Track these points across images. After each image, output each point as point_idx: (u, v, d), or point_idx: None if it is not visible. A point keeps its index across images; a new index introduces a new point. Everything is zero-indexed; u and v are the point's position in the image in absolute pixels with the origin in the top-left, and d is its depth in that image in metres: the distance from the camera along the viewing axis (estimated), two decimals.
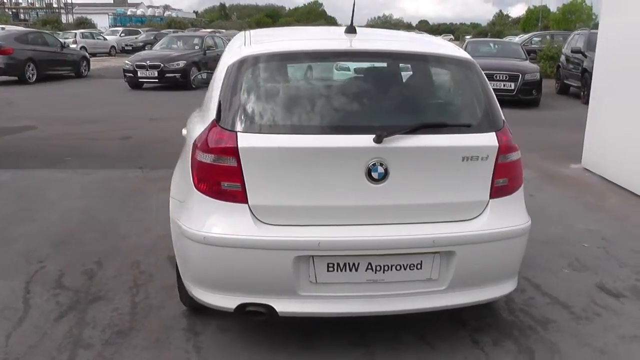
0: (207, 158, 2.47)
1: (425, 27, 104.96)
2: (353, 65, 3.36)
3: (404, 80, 2.89)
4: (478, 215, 2.61)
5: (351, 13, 2.87)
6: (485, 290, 2.70)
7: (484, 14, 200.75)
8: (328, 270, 2.44)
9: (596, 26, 7.09)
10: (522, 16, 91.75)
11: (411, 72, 2.93)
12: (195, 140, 2.60)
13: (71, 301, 3.28)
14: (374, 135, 2.42)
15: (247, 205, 2.44)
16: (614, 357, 2.93)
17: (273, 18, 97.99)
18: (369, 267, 2.46)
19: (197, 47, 16.91)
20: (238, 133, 2.44)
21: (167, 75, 14.89)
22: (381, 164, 2.42)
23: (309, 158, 2.45)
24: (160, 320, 3.08)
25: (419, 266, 2.51)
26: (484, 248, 2.58)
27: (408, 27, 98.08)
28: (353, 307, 2.55)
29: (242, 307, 2.49)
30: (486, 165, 2.56)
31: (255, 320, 2.60)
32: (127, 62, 15.44)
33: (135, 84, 15.20)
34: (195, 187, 2.51)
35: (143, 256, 3.93)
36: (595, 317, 3.30)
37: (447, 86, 2.83)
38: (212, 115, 2.58)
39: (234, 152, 2.41)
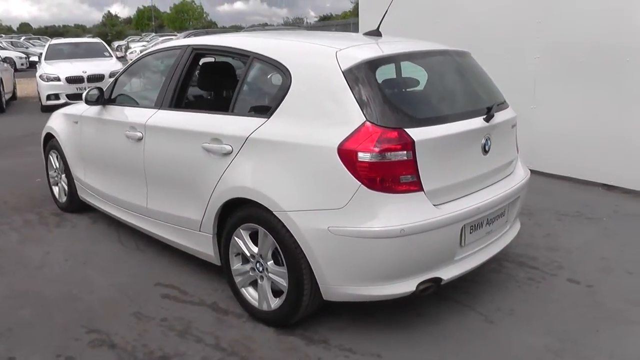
0: (378, 157, 2.52)
1: (28, 30, 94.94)
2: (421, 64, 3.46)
3: (460, 72, 3.33)
4: (515, 168, 3.41)
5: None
6: (517, 224, 3.49)
7: (83, 15, 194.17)
8: (470, 233, 2.85)
9: (210, 24, 8.19)
10: (134, 16, 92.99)
11: (454, 65, 3.37)
12: (340, 145, 2.54)
13: None
14: (483, 117, 2.95)
15: (423, 192, 2.63)
16: None
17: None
18: (486, 221, 2.97)
19: None
20: (405, 129, 2.59)
21: None
22: (489, 139, 2.98)
23: (455, 142, 2.80)
24: None
25: (504, 213, 3.14)
26: (526, 190, 3.37)
27: (9, 30, 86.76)
28: (481, 257, 3.02)
29: (417, 286, 2.66)
30: (514, 130, 3.39)
31: (421, 296, 2.74)
32: None
33: None
34: (367, 187, 2.52)
35: None
36: None
37: (478, 72, 3.41)
38: (353, 117, 2.60)
39: (410, 146, 2.56)
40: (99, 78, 10.97)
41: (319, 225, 2.57)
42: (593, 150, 5.36)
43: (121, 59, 17.02)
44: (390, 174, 2.54)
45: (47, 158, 4.96)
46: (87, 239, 4.24)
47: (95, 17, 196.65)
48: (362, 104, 2.59)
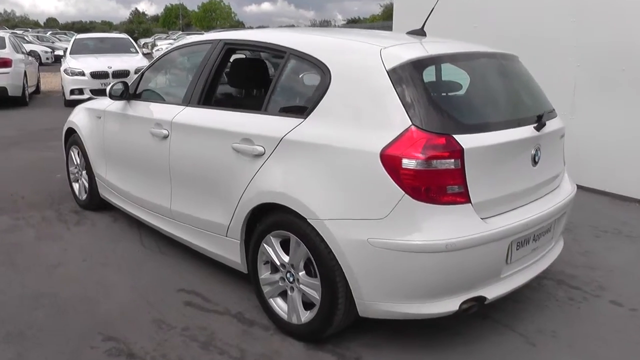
0: (424, 165, 2.31)
1: (55, 25, 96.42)
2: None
3: (508, 76, 3.10)
4: (562, 182, 3.17)
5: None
6: (560, 240, 3.25)
7: (110, 11, 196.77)
8: (516, 249, 2.63)
9: (238, 24, 8.06)
10: (162, 14, 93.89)
11: (501, 69, 3.13)
12: (383, 151, 2.34)
13: None
14: (533, 125, 2.73)
15: (470, 204, 2.41)
16: None
17: None
18: (533, 237, 2.75)
19: None
20: (453, 135, 2.38)
21: None
22: (538, 149, 2.76)
23: (504, 151, 2.58)
24: None
25: (550, 229, 2.91)
26: (571, 206, 3.13)
27: (35, 25, 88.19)
28: (526, 276, 2.80)
29: (460, 305, 2.46)
30: (562, 142, 3.15)
31: (462, 316, 2.54)
32: None
33: None
34: (411, 197, 2.31)
35: None
36: None
37: (526, 77, 3.17)
38: (397, 120, 2.39)
39: (458, 154, 2.35)
40: (124, 74, 10.89)
41: (357, 236, 2.37)
42: (631, 164, 5.09)
43: (147, 55, 17.00)
44: (437, 183, 2.34)
45: (67, 154, 4.84)
46: (107, 238, 4.10)
47: (122, 14, 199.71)
48: (407, 106, 2.39)
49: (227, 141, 2.93)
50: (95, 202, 4.52)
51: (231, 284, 3.31)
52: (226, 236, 3.02)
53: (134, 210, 3.93)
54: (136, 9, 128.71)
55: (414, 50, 2.66)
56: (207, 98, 3.31)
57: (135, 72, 11.03)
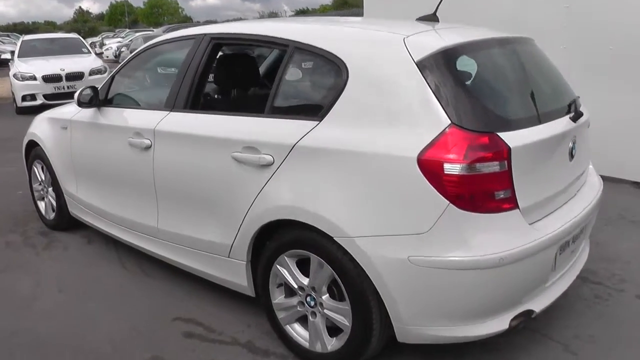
0: (468, 169, 2.02)
1: None
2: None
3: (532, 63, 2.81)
4: (588, 176, 2.93)
5: None
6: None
7: (53, 11, 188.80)
8: (560, 254, 2.38)
9: (186, 20, 7.76)
10: (107, 12, 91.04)
11: (524, 55, 2.84)
12: (421, 155, 2.04)
13: None
14: (569, 116, 2.49)
15: (518, 210, 2.14)
16: None
17: None
18: (572, 239, 2.51)
19: None
20: (497, 133, 2.10)
21: None
22: (574, 142, 2.52)
23: (547, 146, 2.32)
24: None
25: (584, 228, 2.68)
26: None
27: None
28: (567, 280, 2.56)
29: (510, 322, 2.19)
30: (589, 132, 2.91)
31: (511, 333, 2.27)
32: None
33: None
34: (457, 206, 2.02)
35: None
36: None
37: (548, 63, 2.90)
38: (434, 119, 2.09)
39: (505, 154, 2.07)
40: (78, 76, 10.25)
41: (396, 254, 2.07)
42: (620, 145, 4.94)
43: (99, 56, 16.22)
44: (483, 189, 2.05)
45: (30, 169, 4.35)
46: (83, 263, 3.67)
47: (66, 13, 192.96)
48: (443, 102, 2.09)
49: (226, 150, 2.57)
50: (65, 222, 4.08)
51: (232, 308, 2.97)
52: (228, 257, 2.67)
53: (113, 230, 3.52)
54: (80, 7, 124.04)
55: (442, 37, 2.37)
56: (195, 101, 2.93)
57: (90, 74, 10.44)
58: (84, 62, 10.91)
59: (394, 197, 2.09)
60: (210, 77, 3.12)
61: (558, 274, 2.44)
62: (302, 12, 60.08)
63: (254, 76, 3.35)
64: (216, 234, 2.71)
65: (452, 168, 2.00)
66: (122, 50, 22.43)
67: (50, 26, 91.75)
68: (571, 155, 2.48)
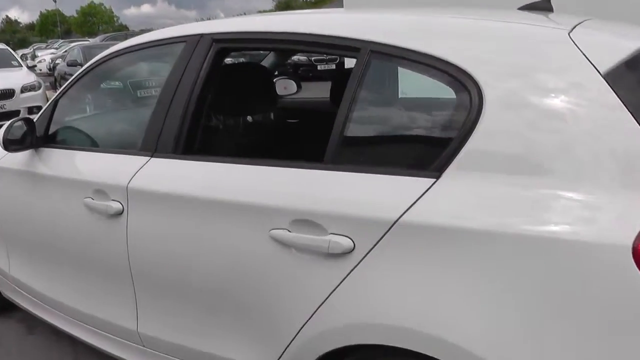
0: None
1: None
2: None
3: None
4: None
5: None
6: None
7: None
8: None
9: (121, 28, 6.88)
10: (37, 21, 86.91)
11: None
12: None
13: None
14: None
15: None
16: None
17: None
18: None
19: None
20: None
21: None
22: None
23: None
24: None
25: None
26: None
27: None
28: None
29: None
30: None
31: None
32: None
33: None
34: None
35: None
36: None
37: None
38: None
39: None
40: (7, 94, 8.82)
41: None
42: None
43: (32, 69, 14.60)
44: None
45: None
46: None
47: None
48: None
49: (259, 225, 1.56)
50: None
51: None
52: None
53: (65, 326, 2.42)
54: (7, 16, 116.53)
55: (616, 35, 1.47)
56: (190, 142, 1.88)
57: (22, 91, 9.05)
58: (15, 78, 9.44)
59: (585, 309, 1.18)
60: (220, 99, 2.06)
61: None
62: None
63: (287, 100, 2.28)
64: (244, 352, 1.69)
65: None
66: (57, 62, 20.74)
67: None
68: None
